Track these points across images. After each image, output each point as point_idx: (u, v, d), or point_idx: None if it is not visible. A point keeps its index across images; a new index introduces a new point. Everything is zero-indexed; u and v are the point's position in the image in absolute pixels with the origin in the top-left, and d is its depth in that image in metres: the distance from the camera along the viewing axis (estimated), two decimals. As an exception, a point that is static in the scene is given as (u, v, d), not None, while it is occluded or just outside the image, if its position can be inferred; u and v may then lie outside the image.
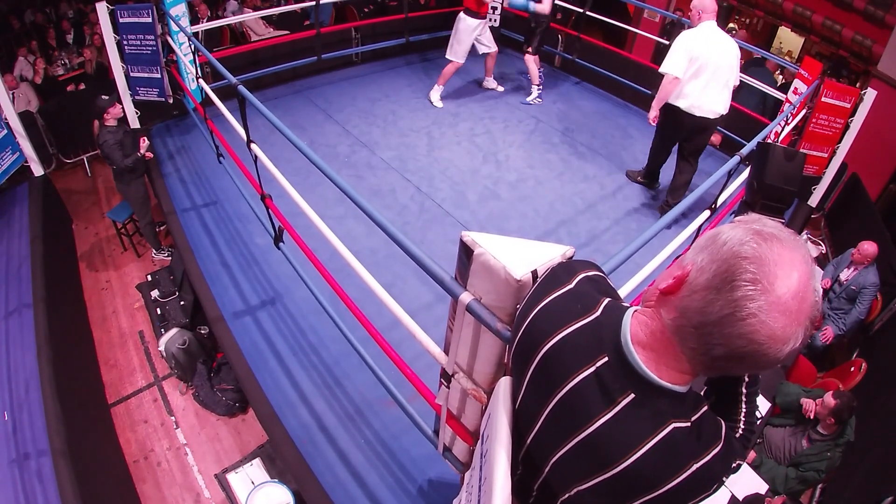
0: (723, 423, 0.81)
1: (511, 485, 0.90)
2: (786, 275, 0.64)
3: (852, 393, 3.06)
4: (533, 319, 0.88)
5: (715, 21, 3.53)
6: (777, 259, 0.64)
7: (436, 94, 5.32)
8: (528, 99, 5.51)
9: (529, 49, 5.23)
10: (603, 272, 0.96)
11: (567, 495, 0.84)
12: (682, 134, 3.83)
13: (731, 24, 6.96)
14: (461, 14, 4.93)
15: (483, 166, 4.48)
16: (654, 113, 3.76)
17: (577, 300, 0.85)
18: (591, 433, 0.78)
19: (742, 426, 0.94)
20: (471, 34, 4.95)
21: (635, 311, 0.81)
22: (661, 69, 3.55)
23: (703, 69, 3.48)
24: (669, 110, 3.70)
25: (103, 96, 3.75)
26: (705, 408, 0.79)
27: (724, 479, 0.80)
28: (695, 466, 0.75)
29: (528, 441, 0.91)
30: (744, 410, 0.94)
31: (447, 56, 5.10)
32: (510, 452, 0.94)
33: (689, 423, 0.76)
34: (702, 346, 0.70)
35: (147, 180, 4.26)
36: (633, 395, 0.76)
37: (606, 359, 0.78)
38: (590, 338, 0.81)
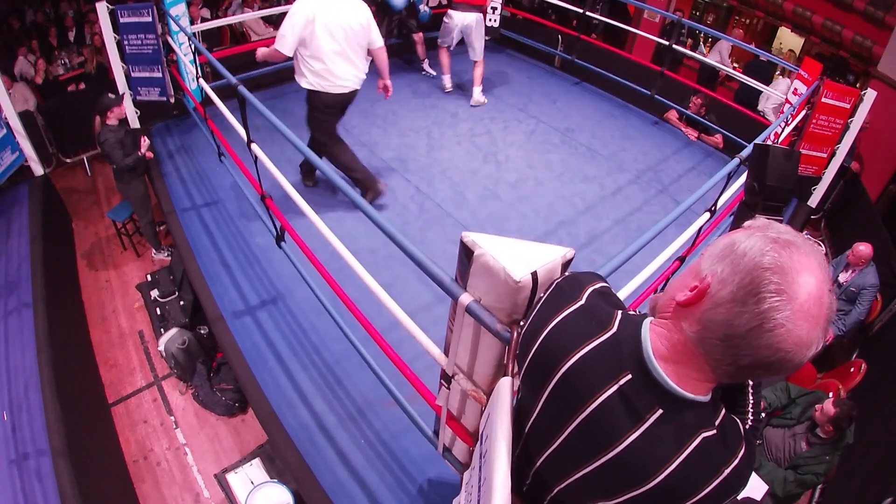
0: (739, 422, 0.83)
1: (511, 485, 0.90)
2: (806, 281, 0.65)
3: (852, 395, 3.06)
4: (547, 337, 0.87)
5: None
6: (797, 267, 0.65)
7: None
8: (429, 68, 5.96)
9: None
10: (606, 282, 0.95)
11: None
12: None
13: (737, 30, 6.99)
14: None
15: (483, 167, 4.48)
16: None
17: (591, 317, 0.85)
18: (620, 452, 0.78)
19: (751, 417, 0.95)
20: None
21: (651, 322, 0.80)
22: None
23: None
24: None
25: (110, 94, 3.74)
26: (723, 409, 0.81)
27: (748, 475, 0.81)
28: (726, 471, 0.77)
29: (540, 460, 0.91)
30: (751, 402, 0.95)
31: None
32: (510, 453, 0.94)
33: (715, 430, 0.77)
34: (728, 357, 0.70)
35: (147, 180, 4.26)
36: (661, 411, 0.76)
37: (630, 376, 0.78)
38: (609, 355, 0.80)
